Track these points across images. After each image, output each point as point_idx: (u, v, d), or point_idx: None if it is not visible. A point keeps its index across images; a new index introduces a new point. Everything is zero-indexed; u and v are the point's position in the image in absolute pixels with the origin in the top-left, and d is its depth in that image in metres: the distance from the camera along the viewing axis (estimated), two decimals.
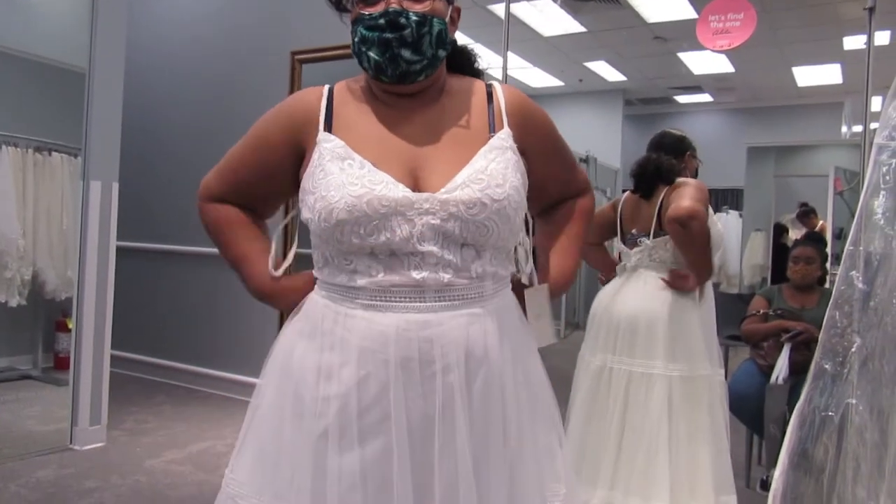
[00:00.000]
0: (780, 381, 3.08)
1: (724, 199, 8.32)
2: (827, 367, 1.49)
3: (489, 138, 1.11)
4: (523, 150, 1.16)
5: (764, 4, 5.42)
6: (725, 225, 7.00)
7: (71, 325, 3.51)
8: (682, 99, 9.51)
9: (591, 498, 2.40)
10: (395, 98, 1.14)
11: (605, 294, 2.64)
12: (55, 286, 3.82)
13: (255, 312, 4.25)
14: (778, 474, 1.73)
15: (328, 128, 1.12)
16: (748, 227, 7.32)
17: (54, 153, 3.79)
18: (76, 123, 3.46)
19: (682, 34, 6.24)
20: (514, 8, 5.67)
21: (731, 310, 4.79)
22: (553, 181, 1.28)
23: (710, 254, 2.42)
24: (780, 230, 6.92)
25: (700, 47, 6.70)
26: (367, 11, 1.08)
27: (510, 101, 1.18)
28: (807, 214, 6.58)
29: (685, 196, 2.39)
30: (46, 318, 3.97)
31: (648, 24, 6.36)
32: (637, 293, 2.51)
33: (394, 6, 1.06)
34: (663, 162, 2.57)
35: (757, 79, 8.24)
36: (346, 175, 1.04)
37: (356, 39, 1.09)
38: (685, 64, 7.63)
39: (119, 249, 3.65)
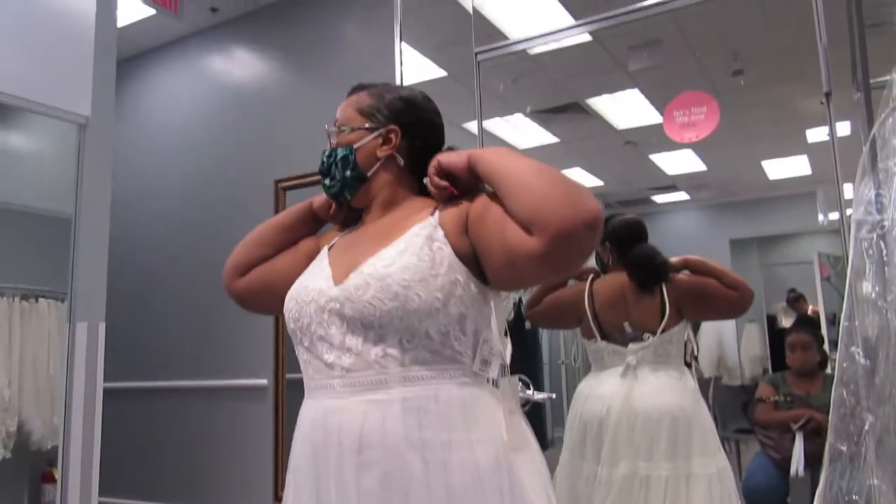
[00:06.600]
0: (800, 473, 2.99)
1: None
2: (843, 448, 1.43)
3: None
4: (466, 229, 1.12)
5: (726, 103, 5.65)
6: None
7: (57, 475, 3.37)
8: (660, 199, 9.69)
9: None
10: (366, 215, 1.31)
11: (608, 396, 2.45)
12: (41, 435, 3.69)
13: (250, 444, 4.10)
14: None
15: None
16: (741, 318, 7.31)
17: (41, 299, 3.77)
18: (62, 268, 3.45)
19: (651, 137, 6.47)
20: (487, 124, 5.88)
21: (737, 403, 4.69)
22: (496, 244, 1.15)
23: None
24: (773, 320, 6.91)
25: (670, 148, 6.95)
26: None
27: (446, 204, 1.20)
28: (797, 300, 6.62)
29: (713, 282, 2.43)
30: (32, 469, 3.81)
31: (618, 130, 6.60)
32: (655, 389, 2.38)
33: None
34: (661, 257, 2.53)
35: (728, 175, 8.45)
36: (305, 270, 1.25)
37: None
38: (658, 166, 7.85)
39: (107, 391, 3.57)
